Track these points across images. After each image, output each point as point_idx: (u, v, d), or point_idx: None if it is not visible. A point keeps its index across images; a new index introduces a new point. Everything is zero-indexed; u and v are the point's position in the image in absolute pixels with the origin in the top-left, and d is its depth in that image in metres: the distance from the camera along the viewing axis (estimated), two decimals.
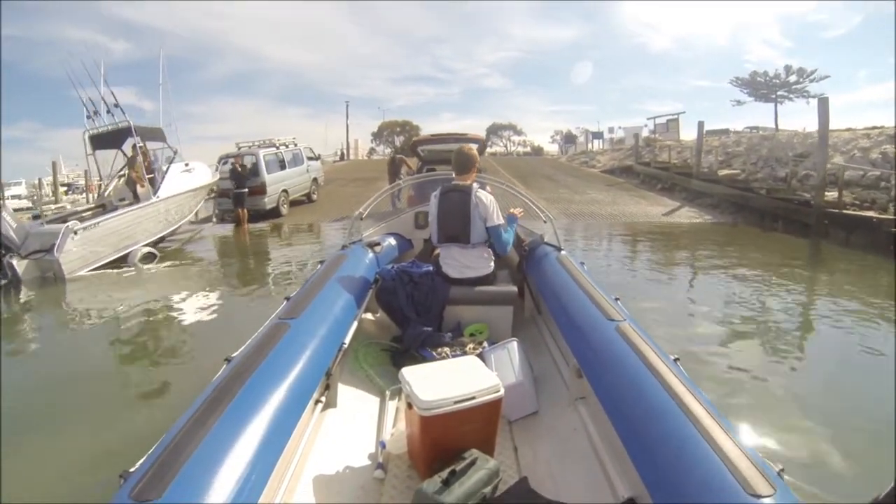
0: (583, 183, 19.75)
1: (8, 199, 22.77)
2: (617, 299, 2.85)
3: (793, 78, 39.90)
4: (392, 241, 4.38)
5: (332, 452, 2.33)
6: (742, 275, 7.94)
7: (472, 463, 2.05)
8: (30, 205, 25.59)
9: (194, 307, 7.00)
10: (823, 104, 11.67)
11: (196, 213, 12.33)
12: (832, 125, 12.10)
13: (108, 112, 10.26)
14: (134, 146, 10.41)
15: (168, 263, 9.55)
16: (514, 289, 3.62)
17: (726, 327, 5.89)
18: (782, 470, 1.55)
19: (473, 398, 2.14)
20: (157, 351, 5.67)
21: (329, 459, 2.28)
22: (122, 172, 10.70)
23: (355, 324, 3.04)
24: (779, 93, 40.58)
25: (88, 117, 10.26)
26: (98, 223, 8.86)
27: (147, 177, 10.19)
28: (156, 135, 11.01)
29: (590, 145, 40.29)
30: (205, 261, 10.39)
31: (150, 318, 6.62)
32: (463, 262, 3.65)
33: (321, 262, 3.56)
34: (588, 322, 2.56)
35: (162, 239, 10.64)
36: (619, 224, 12.92)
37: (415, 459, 2.31)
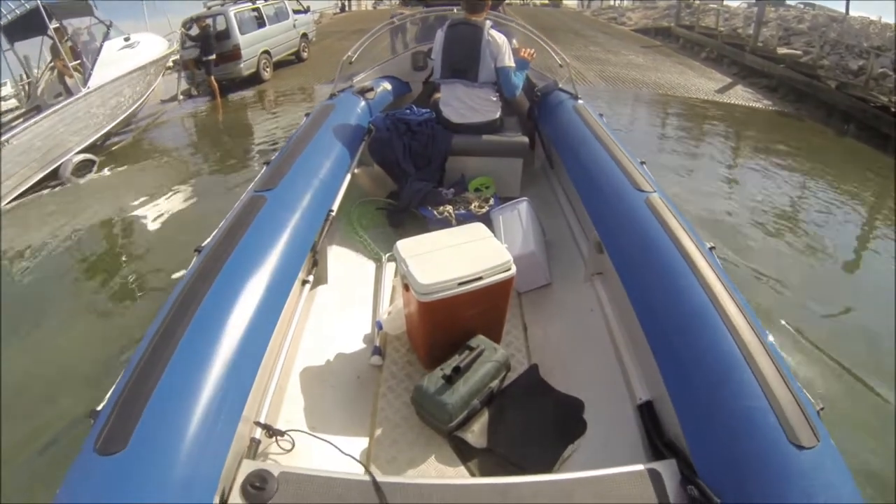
0: (616, 42, 17.09)
1: None
2: (643, 163, 2.41)
3: None
4: (386, 85, 3.79)
5: (323, 339, 2.06)
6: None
7: (478, 355, 1.77)
8: None
9: (159, 212, 5.50)
10: None
11: (153, 95, 9.58)
12: None
13: None
14: (56, 29, 7.75)
15: (116, 166, 7.25)
16: (525, 139, 3.15)
17: None
18: (822, 409, 1.29)
19: (480, 278, 1.80)
20: (114, 282, 4.31)
21: (321, 348, 2.02)
22: (52, 64, 8.18)
23: (345, 184, 2.63)
24: None
25: None
26: (8, 139, 6.30)
27: (74, 63, 7.65)
28: (77, 9, 8.31)
29: (616, 1, 35.48)
30: (169, 152, 8.02)
31: (100, 243, 5.07)
32: (467, 104, 3.14)
33: (308, 115, 3.06)
34: (613, 189, 2.14)
35: (108, 136, 8.14)
36: (671, 99, 10.58)
37: (414, 344, 2.04)
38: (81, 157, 7.05)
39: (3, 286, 4.11)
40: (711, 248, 1.79)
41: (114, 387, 1.28)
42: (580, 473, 1.30)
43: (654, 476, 1.27)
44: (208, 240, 1.83)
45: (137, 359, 1.32)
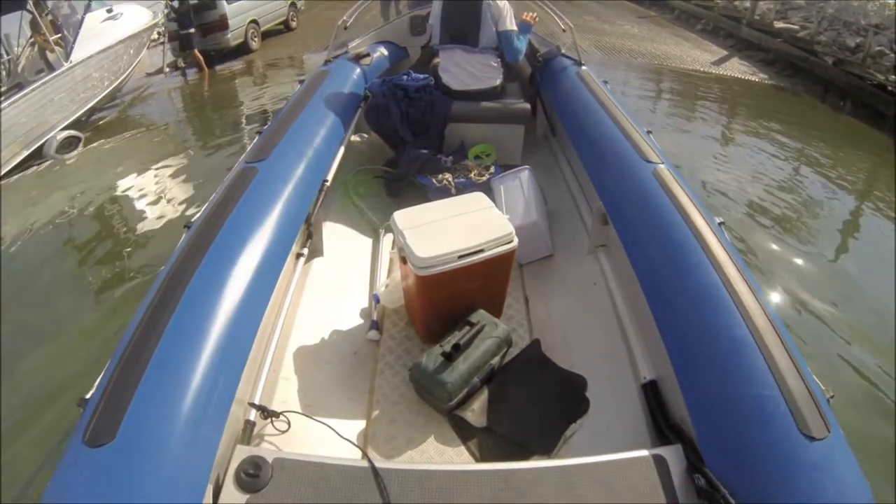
0: (611, 11, 16.22)
1: None
2: (649, 132, 2.30)
3: None
4: (383, 50, 3.62)
5: (319, 314, 1.98)
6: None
7: (479, 332, 1.70)
8: None
9: (148, 187, 5.19)
10: None
11: (139, 67, 8.99)
12: None
13: None
14: (36, 2, 7.20)
15: (102, 142, 6.85)
16: (527, 106, 3.02)
17: None
18: (832, 397, 1.23)
19: (481, 251, 1.71)
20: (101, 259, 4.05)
21: (317, 324, 1.94)
22: (32, 39, 7.67)
23: (340, 153, 2.52)
24: None
25: None
26: None
27: (55, 37, 7.24)
28: None
29: None
30: (156, 125, 7.62)
31: (88, 222, 4.68)
32: (467, 70, 3.01)
33: (301, 81, 2.92)
34: (618, 159, 2.04)
35: (93, 111, 7.66)
36: (666, 69, 10.30)
37: (413, 318, 1.97)
38: (66, 133, 6.71)
39: None
40: (721, 224, 1.70)
41: (102, 373, 1.21)
42: (583, 459, 1.24)
43: (660, 462, 1.22)
44: (198, 215, 1.74)
45: (125, 344, 1.25)
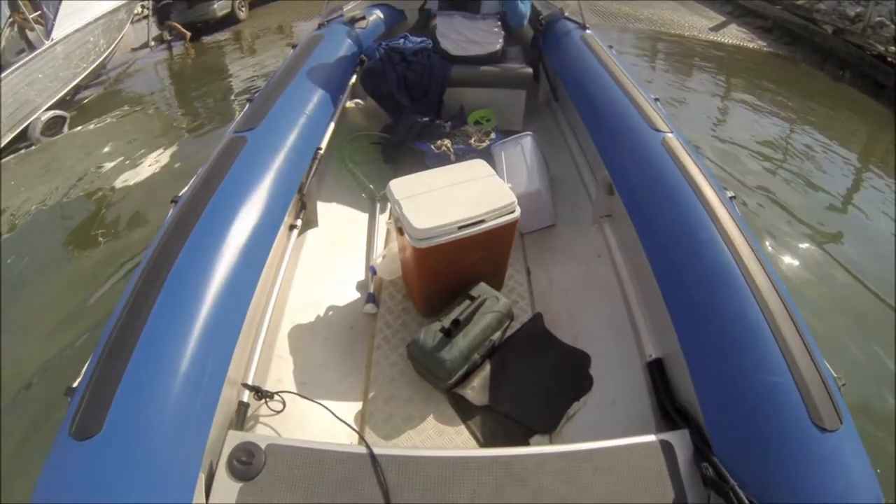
0: None
1: None
2: (657, 100, 2.18)
3: None
4: (379, 13, 3.45)
5: (314, 288, 1.90)
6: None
7: (479, 306, 1.62)
8: None
9: (138, 165, 4.95)
10: None
11: (123, 42, 8.63)
12: None
13: None
14: None
15: (89, 121, 6.48)
16: (529, 70, 2.89)
17: None
18: (843, 385, 1.17)
19: (482, 221, 1.62)
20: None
21: (311, 297, 1.86)
22: (11, 19, 7.12)
23: (335, 119, 2.40)
24: None
25: None
26: None
27: (34, 15, 6.82)
28: None
29: None
30: (143, 101, 7.25)
31: (79, 205, 4.42)
32: (467, 36, 2.88)
33: (293, 47, 2.77)
34: (625, 127, 1.93)
35: (77, 90, 7.34)
36: (662, 35, 9.89)
37: (410, 291, 1.89)
38: (51, 114, 6.37)
39: None
40: (732, 198, 1.61)
41: (89, 361, 1.15)
42: (587, 445, 1.18)
43: (666, 448, 1.17)
44: (185, 189, 1.64)
45: (110, 328, 1.18)
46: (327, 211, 2.20)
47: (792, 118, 6.20)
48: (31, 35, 6.70)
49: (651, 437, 1.19)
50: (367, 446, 1.15)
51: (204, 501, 1.06)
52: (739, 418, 1.11)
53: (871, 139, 5.97)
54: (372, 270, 1.98)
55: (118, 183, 4.74)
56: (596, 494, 1.09)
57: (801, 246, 3.56)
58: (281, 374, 1.57)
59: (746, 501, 0.99)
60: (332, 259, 2.05)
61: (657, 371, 1.45)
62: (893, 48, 8.18)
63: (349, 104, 2.90)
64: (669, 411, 1.31)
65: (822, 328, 2.72)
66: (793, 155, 5.16)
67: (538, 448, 1.20)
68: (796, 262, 3.40)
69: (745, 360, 1.15)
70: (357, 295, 1.94)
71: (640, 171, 1.75)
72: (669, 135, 1.82)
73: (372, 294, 1.90)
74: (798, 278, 3.24)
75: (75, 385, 1.11)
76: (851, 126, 6.29)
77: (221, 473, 1.11)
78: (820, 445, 1.02)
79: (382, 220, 2.32)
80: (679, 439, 1.18)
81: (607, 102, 2.13)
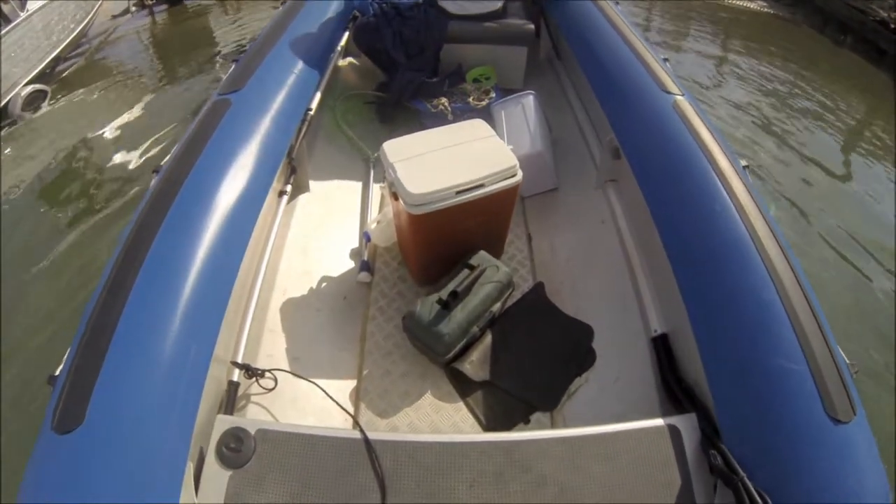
0: None
1: None
2: (666, 60, 2.04)
3: None
4: None
5: (305, 257, 1.80)
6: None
7: (478, 276, 1.53)
8: None
9: (125, 136, 4.72)
10: None
11: (102, 10, 7.88)
12: None
13: None
14: None
15: (71, 93, 6.17)
16: (531, 25, 2.72)
17: None
18: (857, 372, 1.11)
19: (482, 185, 1.50)
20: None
21: (303, 267, 1.76)
22: None
23: (326, 78, 2.25)
24: None
25: None
26: None
27: None
28: None
29: None
30: (127, 70, 6.80)
31: (64, 181, 4.22)
32: None
33: (283, 2, 2.60)
34: (634, 88, 1.80)
35: (57, 61, 6.93)
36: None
37: (406, 259, 1.79)
38: (31, 88, 5.98)
39: None
40: (745, 167, 1.50)
41: (70, 347, 1.06)
42: (590, 429, 1.11)
43: (673, 433, 1.10)
44: (167, 158, 1.53)
45: (90, 311, 1.09)
46: (319, 175, 2.08)
47: (790, 82, 6.01)
48: (5, 8, 6.29)
49: (658, 422, 1.12)
50: (362, 431, 1.07)
51: (193, 492, 0.99)
52: (751, 405, 1.04)
53: (871, 107, 5.71)
54: (366, 237, 1.88)
55: (104, 157, 4.54)
56: (600, 483, 1.03)
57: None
58: (272, 349, 1.49)
59: (756, 495, 0.93)
60: (324, 226, 1.94)
61: (662, 347, 1.37)
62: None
63: (342, 62, 2.75)
64: (676, 392, 1.25)
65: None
66: (790, 118, 5.00)
67: (540, 433, 1.12)
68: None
69: (760, 344, 1.08)
70: (351, 263, 1.84)
71: (649, 134, 1.63)
72: (681, 97, 1.70)
73: (366, 262, 1.80)
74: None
75: (57, 373, 1.04)
76: (851, 91, 6.04)
77: (211, 460, 1.05)
78: (833, 438, 0.97)
79: (377, 182, 2.20)
80: (686, 424, 1.11)
81: (614, 61, 1.99)
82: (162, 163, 1.52)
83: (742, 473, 0.96)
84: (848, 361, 1.09)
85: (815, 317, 1.10)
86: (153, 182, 1.44)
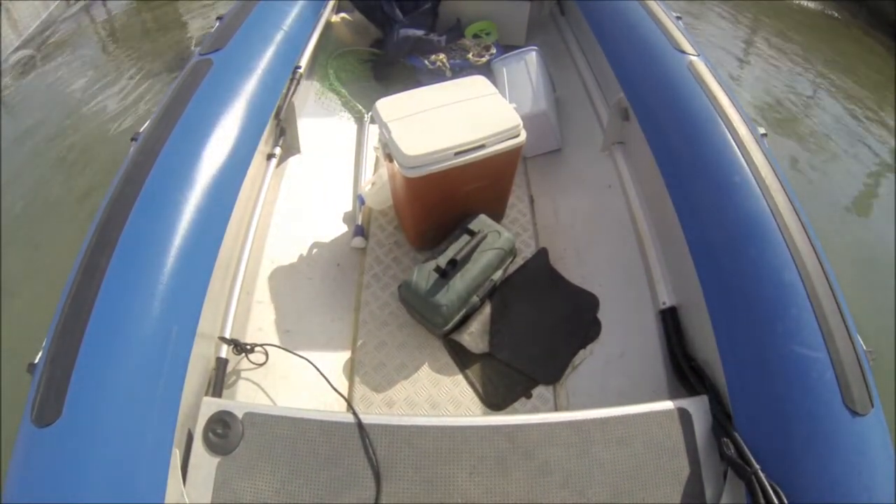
0: None
1: None
2: (679, 18, 1.88)
3: None
4: None
5: (296, 222, 1.67)
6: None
7: (479, 243, 1.40)
8: None
9: (118, 99, 4.27)
10: None
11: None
12: None
13: None
14: None
15: (58, 61, 5.19)
16: None
17: None
18: (874, 359, 1.03)
19: (482, 146, 1.37)
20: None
21: (294, 234, 1.63)
22: None
23: (317, 34, 2.08)
24: None
25: None
26: None
27: None
28: None
29: None
30: (115, 35, 5.95)
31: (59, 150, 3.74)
32: None
33: None
34: (646, 46, 1.65)
35: (46, 26, 5.86)
36: None
37: (402, 223, 1.66)
38: (19, 55, 5.39)
39: None
40: (763, 136, 1.37)
41: (47, 335, 0.96)
42: (596, 412, 1.02)
43: (684, 417, 1.01)
44: (145, 125, 1.38)
45: (65, 295, 0.98)
46: (311, 136, 1.93)
47: (802, 55, 5.23)
48: None
49: (668, 405, 1.03)
50: (355, 413, 0.97)
51: (181, 482, 0.90)
52: (767, 392, 0.96)
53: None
54: (360, 200, 1.75)
55: (95, 125, 4.14)
56: (607, 470, 0.94)
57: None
58: (262, 321, 1.38)
59: (770, 488, 0.85)
60: (315, 189, 1.80)
61: (671, 320, 1.27)
62: None
63: (334, 18, 2.56)
64: (686, 371, 1.15)
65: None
66: (805, 99, 4.43)
67: (544, 416, 1.03)
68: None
69: (779, 327, 0.99)
70: (344, 228, 1.72)
71: (662, 95, 1.49)
72: (696, 58, 1.55)
73: (360, 226, 1.68)
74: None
75: (36, 360, 0.94)
76: (865, 66, 5.24)
77: (198, 446, 0.96)
78: (850, 431, 0.90)
79: (372, 143, 2.05)
80: (698, 407, 1.02)
81: (624, 17, 1.83)
82: (140, 130, 1.38)
83: (756, 466, 0.89)
84: (865, 348, 1.00)
85: (837, 302, 1.00)
86: (131, 150, 1.31)
